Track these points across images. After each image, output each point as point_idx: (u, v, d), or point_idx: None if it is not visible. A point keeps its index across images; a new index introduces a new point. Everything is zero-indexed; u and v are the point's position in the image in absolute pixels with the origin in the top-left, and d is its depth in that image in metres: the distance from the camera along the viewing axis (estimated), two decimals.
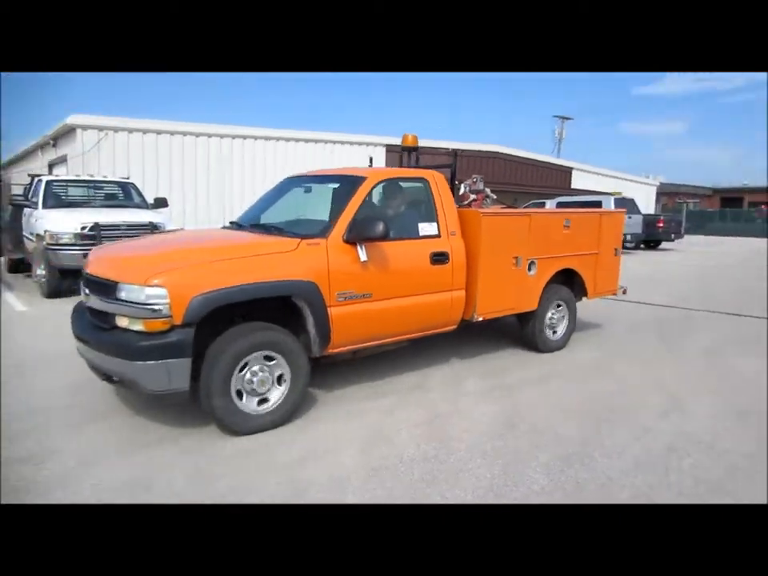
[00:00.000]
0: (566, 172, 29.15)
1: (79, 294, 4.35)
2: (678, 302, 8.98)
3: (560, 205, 19.82)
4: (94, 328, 3.81)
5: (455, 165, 5.79)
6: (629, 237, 18.81)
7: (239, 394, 3.69)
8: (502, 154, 25.27)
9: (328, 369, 4.88)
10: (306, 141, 18.79)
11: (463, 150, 23.49)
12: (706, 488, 3.12)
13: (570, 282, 6.12)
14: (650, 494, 3.06)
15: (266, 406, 3.81)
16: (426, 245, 4.70)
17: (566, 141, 54.57)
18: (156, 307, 3.40)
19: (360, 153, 19.98)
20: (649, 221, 20.58)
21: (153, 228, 8.79)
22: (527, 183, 26.45)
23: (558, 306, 6.01)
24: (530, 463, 3.40)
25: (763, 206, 41.80)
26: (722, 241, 28.46)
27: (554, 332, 6.01)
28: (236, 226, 5.03)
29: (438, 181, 4.99)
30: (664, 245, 22.43)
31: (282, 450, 3.54)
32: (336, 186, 4.95)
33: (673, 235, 22.14)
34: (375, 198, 4.68)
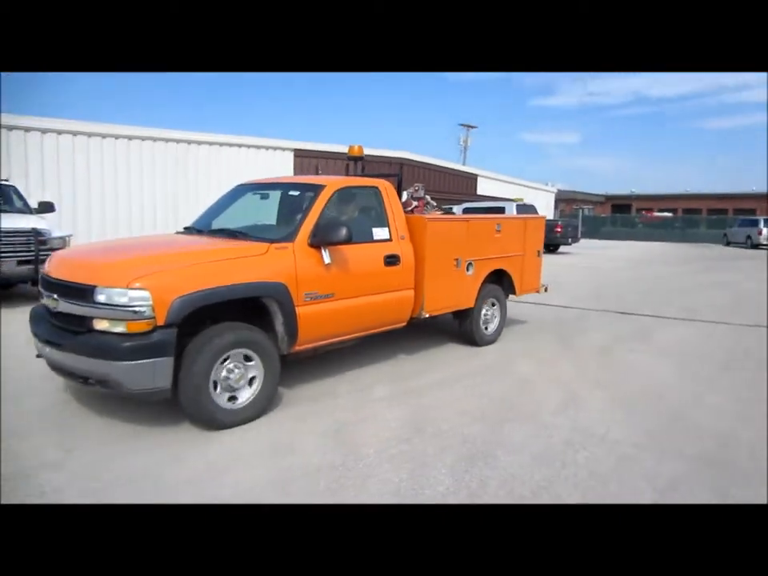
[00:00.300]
0: (472, 178, 30.05)
1: None
2: (575, 302, 9.46)
3: (466, 210, 20.38)
4: (65, 331, 3.84)
5: (401, 174, 6.22)
6: None
7: (215, 387, 3.86)
8: (409, 160, 25.66)
9: None
10: (210, 143, 18.11)
11: (371, 156, 23.69)
12: (598, 480, 3.28)
13: (500, 282, 6.71)
14: (548, 487, 3.19)
15: (239, 402, 4.00)
16: (380, 248, 5.09)
17: (471, 148, 56.29)
18: (139, 309, 3.53)
19: (266, 157, 19.55)
20: (549, 226, 21.59)
21: (36, 234, 8.09)
22: (435, 189, 26.98)
23: (492, 303, 6.57)
24: (435, 465, 3.44)
25: (644, 212, 45.22)
26: (614, 245, 30.36)
27: (488, 327, 6.53)
28: (195, 231, 5.17)
29: (387, 189, 5.43)
30: (562, 248, 23.64)
31: (179, 468, 3.37)
32: (296, 193, 5.28)
33: (570, 239, 23.39)
34: (333, 205, 4.90)
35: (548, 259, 19.31)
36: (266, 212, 5.50)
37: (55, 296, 3.92)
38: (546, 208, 34.52)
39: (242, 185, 5.92)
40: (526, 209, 19.83)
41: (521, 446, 3.73)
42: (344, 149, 21.80)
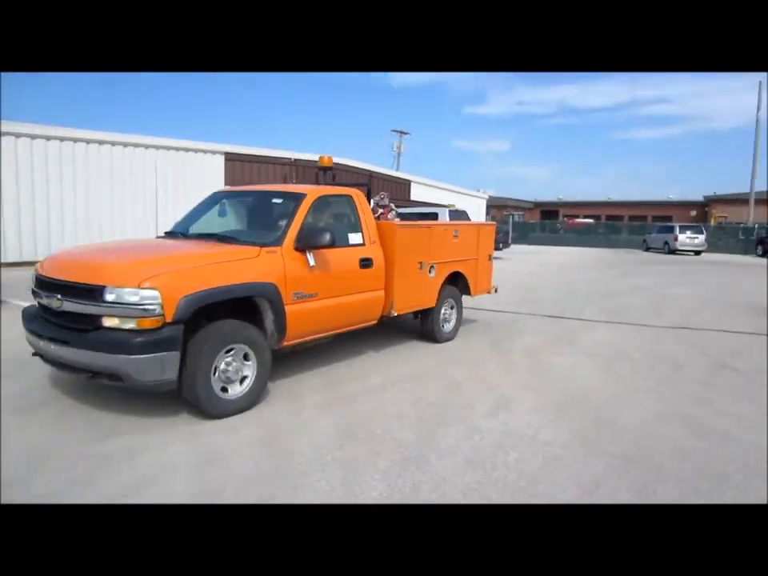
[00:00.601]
0: (405, 184, 30.37)
1: None
2: (506, 306, 9.69)
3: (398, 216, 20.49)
4: (71, 330, 4.04)
5: (369, 184, 6.79)
6: None
7: (219, 385, 4.21)
8: (343, 165, 25.66)
9: None
10: (135, 146, 17.43)
11: (305, 161, 23.49)
12: (527, 480, 3.35)
13: (457, 283, 7.24)
14: (479, 490, 3.22)
15: (236, 392, 4.32)
16: (355, 252, 5.55)
17: (404, 154, 56.92)
18: (149, 307, 3.81)
19: (194, 161, 19.01)
20: None
21: None
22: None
23: (450, 304, 7.09)
24: (368, 471, 3.42)
25: (566, 219, 47.05)
26: (544, 250, 31.37)
27: (445, 326, 7.02)
28: (180, 235, 5.45)
29: (359, 197, 5.90)
30: (494, 254, 24.18)
31: (106, 483, 3.21)
32: (279, 200, 5.62)
33: (501, 245, 23.96)
34: (313, 212, 5.26)
35: None
36: (256, 218, 5.86)
37: (59, 296, 4.09)
38: (478, 214, 35.31)
39: (218, 192, 6.33)
40: (458, 215, 20.16)
41: (453, 450, 3.77)
42: (276, 153, 21.45)
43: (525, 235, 40.56)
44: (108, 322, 3.89)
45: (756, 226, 33.07)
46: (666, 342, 7.27)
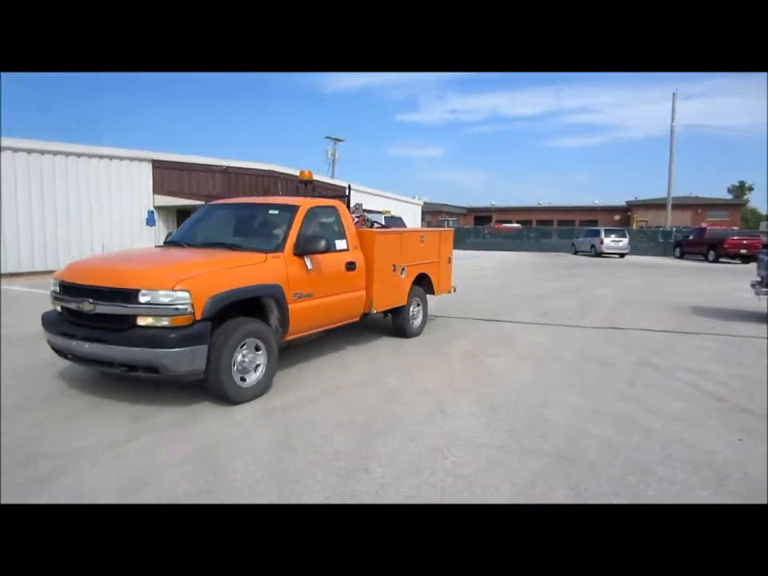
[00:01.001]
0: (341, 191, 30.34)
1: None
2: (441, 311, 9.81)
3: None
4: (105, 329, 4.52)
5: (349, 195, 7.48)
6: None
7: (238, 375, 4.78)
8: (277, 172, 25.39)
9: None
10: (54, 153, 16.58)
11: (238, 168, 23.08)
12: (464, 484, 3.38)
13: (422, 284, 7.94)
14: (416, 496, 3.22)
15: (252, 380, 4.90)
16: (342, 256, 6.21)
17: (340, 162, 56.92)
18: (180, 306, 4.36)
19: (119, 168, 18.30)
20: None
21: None
22: None
23: (417, 302, 7.82)
24: (306, 483, 3.37)
25: (493, 224, 48.31)
26: (478, 255, 32.01)
27: (413, 323, 7.71)
28: (186, 244, 5.97)
29: (342, 207, 6.63)
30: None
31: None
32: (276, 212, 6.21)
33: None
34: (305, 221, 5.87)
35: None
36: (253, 227, 6.32)
37: (90, 300, 4.55)
38: (414, 220, 35.70)
39: (211, 204, 6.99)
40: (394, 221, 20.32)
41: (393, 456, 3.77)
42: (208, 161, 20.92)
43: (461, 240, 41.18)
44: (142, 321, 4.41)
45: (674, 229, 34.96)
46: (595, 342, 7.56)
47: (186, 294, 4.36)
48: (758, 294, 9.34)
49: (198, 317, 4.43)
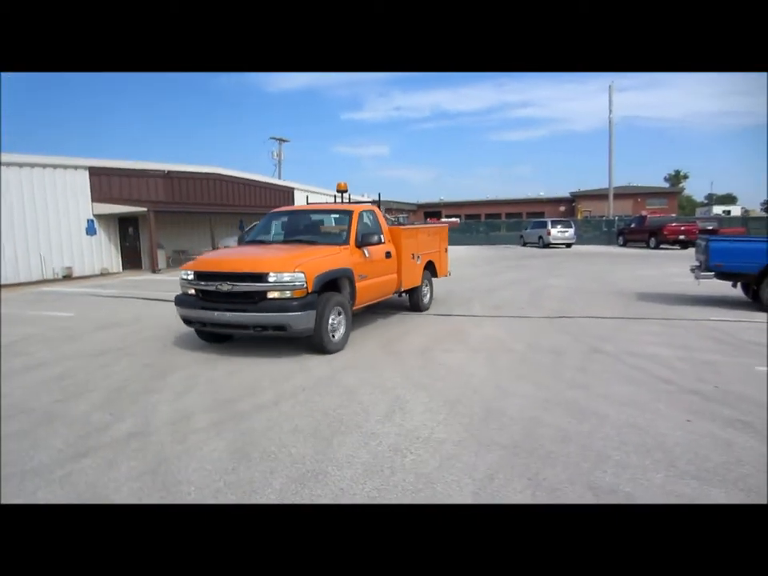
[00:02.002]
0: (288, 192, 30.03)
1: None
2: (394, 307, 9.79)
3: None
4: (242, 302, 6.39)
5: (379, 200, 10.04)
6: None
7: (330, 333, 6.68)
8: (222, 175, 24.92)
9: None
10: None
11: (181, 172, 22.51)
12: (424, 482, 3.35)
13: (429, 269, 10.02)
14: (377, 497, 3.17)
15: (338, 337, 6.81)
16: (382, 247, 8.20)
17: (287, 162, 56.33)
18: (298, 283, 6.28)
19: (53, 177, 17.57)
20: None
21: None
22: (250, 204, 26.52)
23: (426, 283, 9.85)
24: (264, 491, 3.29)
25: (429, 219, 48.81)
26: None
27: (425, 300, 9.77)
28: (268, 242, 8.08)
29: (377, 210, 8.68)
30: None
31: None
32: (337, 215, 8.41)
33: None
34: (358, 221, 7.85)
35: None
36: (302, 229, 8.34)
37: (228, 282, 6.42)
38: None
39: (274, 212, 9.01)
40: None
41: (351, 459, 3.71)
42: (148, 165, 20.42)
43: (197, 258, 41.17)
44: (271, 295, 6.30)
45: (616, 218, 36.06)
46: (545, 332, 7.68)
47: (302, 275, 6.31)
48: (697, 278, 9.69)
49: (310, 290, 6.37)
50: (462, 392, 5.06)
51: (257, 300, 6.28)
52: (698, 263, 9.97)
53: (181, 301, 6.95)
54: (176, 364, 6.34)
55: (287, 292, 6.23)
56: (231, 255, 7.64)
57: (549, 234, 30.62)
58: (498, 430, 4.15)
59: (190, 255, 23.22)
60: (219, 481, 3.45)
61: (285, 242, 7.88)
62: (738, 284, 9.96)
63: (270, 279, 6.20)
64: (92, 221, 18.93)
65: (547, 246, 30.87)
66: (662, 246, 27.27)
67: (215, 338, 7.22)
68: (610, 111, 39.48)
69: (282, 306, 6.21)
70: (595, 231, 35.83)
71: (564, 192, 59.90)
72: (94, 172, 18.73)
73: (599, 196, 49.60)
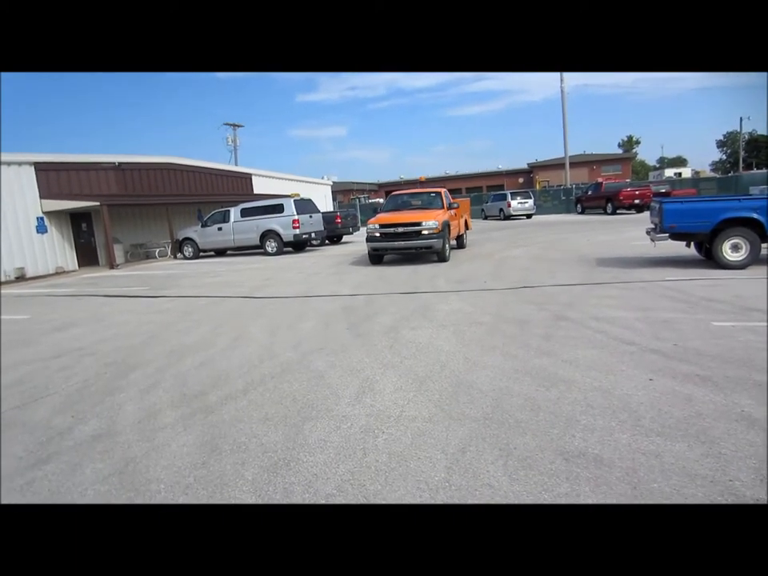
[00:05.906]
0: (246, 178, 29.52)
1: None
2: (360, 289, 9.77)
3: (244, 211, 19.92)
4: (408, 238, 13.04)
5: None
6: (313, 235, 19.90)
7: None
8: (176, 164, 24.30)
9: None
10: None
11: (133, 164, 21.88)
12: (398, 460, 3.36)
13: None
14: (351, 480, 3.17)
15: (448, 254, 14.06)
16: (454, 210, 15.08)
17: (243, 148, 55.26)
18: (435, 226, 12.96)
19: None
20: (328, 218, 22.10)
21: None
22: (207, 192, 25.99)
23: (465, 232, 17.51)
24: (236, 483, 3.25)
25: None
26: None
27: (465, 242, 17.17)
28: (399, 210, 14.89)
29: (444, 191, 15.49)
30: (345, 238, 24.41)
31: None
32: (433, 194, 15.21)
33: (351, 228, 24.25)
34: (443, 197, 15.00)
35: (332, 251, 19.86)
36: (421, 202, 15.24)
37: (400, 228, 13.06)
38: (324, 200, 35.36)
39: (394, 194, 16.35)
40: (304, 203, 20.02)
41: (323, 443, 3.69)
42: (98, 158, 19.64)
43: (373, 216, 41.36)
44: (424, 232, 12.83)
45: (573, 186, 36.59)
46: (510, 303, 7.76)
47: (436, 222, 12.84)
48: (653, 240, 9.91)
49: (440, 230, 12.84)
50: (431, 368, 5.07)
51: (415, 235, 12.78)
52: (653, 226, 10.19)
53: (372, 238, 13.37)
54: (141, 360, 6.20)
55: (432, 230, 12.71)
56: (398, 215, 13.71)
57: (509, 206, 30.93)
58: (468, 403, 4.18)
59: (149, 248, 22.76)
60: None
61: (410, 208, 14.76)
62: (692, 243, 10.23)
63: (423, 224, 12.74)
64: (42, 218, 18.28)
65: (508, 217, 31.18)
66: (618, 211, 27.83)
67: (380, 260, 13.87)
68: (561, 80, 39.81)
69: (428, 236, 12.73)
70: (554, 201, 36.36)
71: (522, 164, 60.47)
72: (40, 167, 18.05)
73: (556, 165, 50.22)
